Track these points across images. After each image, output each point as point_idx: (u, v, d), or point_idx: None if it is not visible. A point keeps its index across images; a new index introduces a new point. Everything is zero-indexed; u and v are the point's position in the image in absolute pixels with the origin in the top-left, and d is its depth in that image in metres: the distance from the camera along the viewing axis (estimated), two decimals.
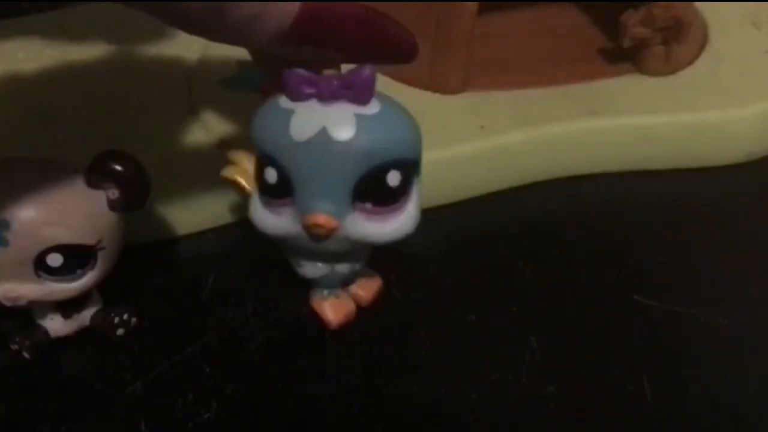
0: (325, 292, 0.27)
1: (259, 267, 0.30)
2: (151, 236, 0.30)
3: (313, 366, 0.27)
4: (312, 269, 0.26)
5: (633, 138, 0.33)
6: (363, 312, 0.28)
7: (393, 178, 0.23)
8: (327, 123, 0.22)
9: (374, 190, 0.23)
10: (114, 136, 0.32)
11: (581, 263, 0.30)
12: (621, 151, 0.33)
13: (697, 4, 0.37)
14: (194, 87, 0.34)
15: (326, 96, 0.22)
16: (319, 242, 0.24)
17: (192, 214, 0.31)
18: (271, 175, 0.24)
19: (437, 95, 0.34)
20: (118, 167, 0.24)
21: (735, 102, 0.34)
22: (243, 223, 0.31)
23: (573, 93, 0.34)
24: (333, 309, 0.27)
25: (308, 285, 0.27)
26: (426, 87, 0.34)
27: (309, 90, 0.22)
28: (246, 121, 0.32)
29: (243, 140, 0.26)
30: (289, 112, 0.23)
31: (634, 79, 0.35)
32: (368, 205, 0.23)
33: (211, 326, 0.28)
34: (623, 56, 0.35)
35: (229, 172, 0.26)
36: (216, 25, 0.20)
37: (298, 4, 0.20)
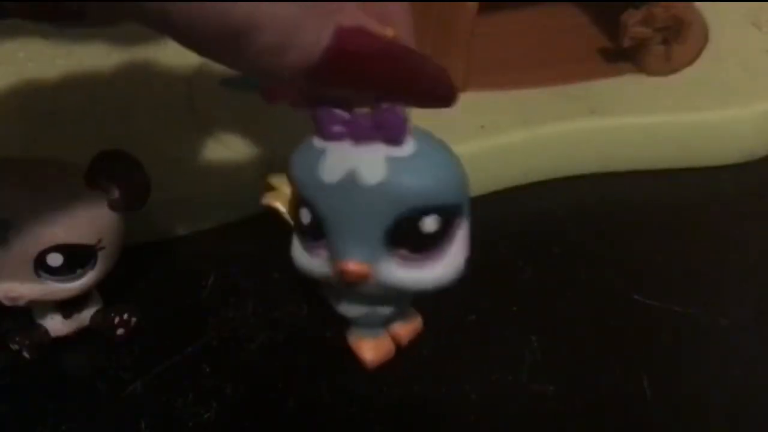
0: (363, 331, 0.26)
1: (259, 267, 0.30)
2: (151, 236, 0.30)
3: (313, 366, 0.27)
4: (352, 309, 0.25)
5: (633, 138, 0.33)
6: None
7: (429, 223, 0.22)
8: (356, 165, 0.21)
9: (409, 237, 0.22)
10: (114, 136, 0.32)
11: (581, 263, 0.30)
12: (621, 151, 0.33)
13: (698, 3, 0.37)
14: (194, 87, 0.34)
15: (357, 136, 0.21)
16: (354, 287, 0.23)
17: (192, 214, 0.31)
18: (306, 216, 0.23)
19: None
20: (118, 167, 0.24)
21: (735, 102, 0.34)
22: (243, 223, 0.32)
23: (573, 93, 0.34)
24: (371, 349, 0.26)
25: (309, 286, 0.27)
26: None
27: (340, 129, 0.21)
28: (246, 122, 0.32)
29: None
30: (321, 152, 0.22)
31: (634, 79, 0.35)
32: (404, 251, 0.22)
33: (211, 326, 0.28)
34: (623, 56, 0.35)
35: (268, 199, 0.25)
36: (235, 54, 0.19)
37: (326, 39, 0.19)
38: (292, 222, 0.24)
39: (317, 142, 0.22)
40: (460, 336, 0.28)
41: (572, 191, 0.33)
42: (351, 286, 0.23)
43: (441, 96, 0.22)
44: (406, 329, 0.27)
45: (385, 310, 0.25)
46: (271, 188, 0.26)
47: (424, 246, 0.22)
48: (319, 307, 0.28)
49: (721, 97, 0.34)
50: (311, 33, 0.19)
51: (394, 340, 0.27)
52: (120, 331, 0.27)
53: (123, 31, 0.37)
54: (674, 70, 0.35)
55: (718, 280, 0.30)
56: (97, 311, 0.27)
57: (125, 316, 0.27)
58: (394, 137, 0.21)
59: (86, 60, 0.36)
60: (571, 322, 0.28)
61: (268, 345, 0.27)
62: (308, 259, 0.24)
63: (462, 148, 0.31)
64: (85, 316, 0.27)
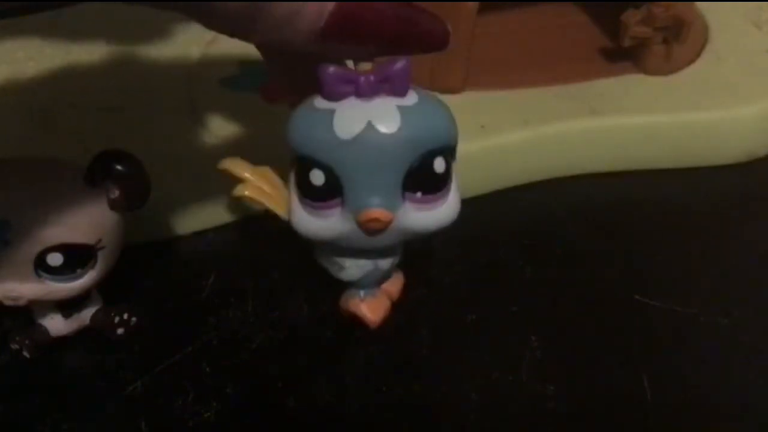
0: (362, 292, 0.27)
1: (259, 267, 0.30)
2: (151, 236, 0.30)
3: (313, 366, 0.27)
4: (356, 270, 0.26)
5: (633, 137, 0.33)
6: None
7: (439, 164, 0.23)
8: (372, 117, 0.22)
9: (423, 179, 0.23)
10: (114, 136, 0.32)
11: (581, 263, 0.30)
12: (621, 150, 0.33)
13: (698, 3, 0.37)
14: (194, 87, 0.34)
15: (365, 92, 0.22)
16: (373, 238, 0.24)
17: (192, 214, 0.31)
18: (318, 177, 0.23)
19: (437, 95, 0.33)
20: (118, 167, 0.24)
21: (735, 101, 0.34)
22: (243, 223, 0.32)
23: (573, 92, 0.34)
24: (371, 309, 0.27)
25: (307, 284, 0.27)
26: (426, 87, 0.33)
27: (347, 88, 0.22)
28: (246, 121, 0.32)
29: (240, 159, 0.26)
30: (330, 112, 0.23)
31: (634, 79, 0.35)
32: (418, 195, 0.24)
33: (211, 326, 0.28)
34: (624, 55, 0.35)
35: (240, 191, 0.25)
36: (252, 25, 0.20)
37: (331, 4, 0.20)
38: (271, 206, 0.25)
39: (321, 104, 0.23)
40: (460, 336, 0.28)
41: (572, 191, 0.33)
42: (372, 235, 0.24)
43: (437, 41, 0.23)
44: (396, 285, 0.28)
45: (386, 264, 0.26)
46: (235, 178, 0.26)
47: (435, 187, 0.24)
48: (319, 307, 0.28)
49: (721, 97, 0.34)
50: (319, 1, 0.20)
51: (388, 296, 0.27)
52: (120, 331, 0.27)
53: (123, 31, 0.37)
54: (674, 70, 0.35)
55: (718, 280, 0.30)
56: (97, 311, 0.27)
57: (125, 315, 0.27)
58: (400, 88, 0.23)
59: (86, 59, 0.36)
60: (571, 322, 0.28)
61: (268, 345, 0.27)
62: (316, 222, 0.24)
63: (462, 148, 0.32)
64: (85, 315, 0.27)
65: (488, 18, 0.36)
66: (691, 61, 0.35)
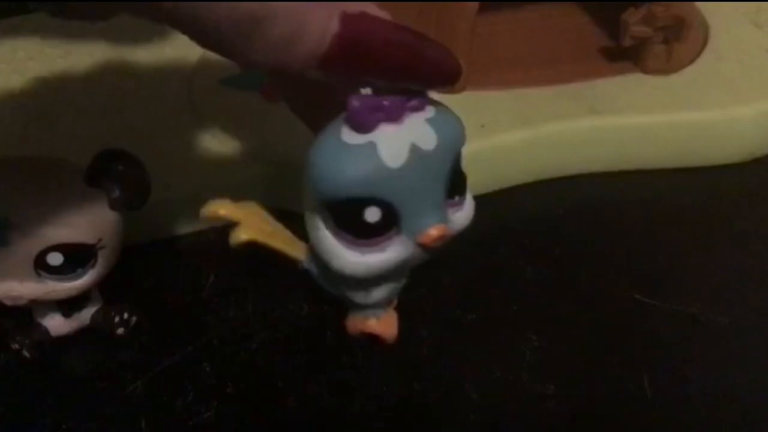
0: (369, 312, 0.26)
1: (259, 267, 0.30)
2: (151, 236, 0.30)
3: (313, 366, 0.27)
4: (382, 292, 0.25)
5: (633, 137, 0.33)
6: None
7: (463, 165, 0.24)
8: (413, 139, 0.22)
9: (457, 182, 0.24)
10: (114, 136, 0.32)
11: (581, 263, 0.30)
12: (621, 150, 0.33)
13: (698, 3, 0.37)
14: (194, 87, 0.34)
15: (396, 116, 0.22)
16: (431, 255, 0.24)
17: (192, 214, 0.31)
18: (374, 213, 0.22)
19: (437, 94, 0.33)
20: (119, 166, 0.24)
21: (736, 101, 0.34)
22: None
23: (573, 92, 0.34)
24: (385, 325, 0.26)
25: (307, 284, 0.27)
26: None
27: (377, 116, 0.22)
28: (246, 122, 0.32)
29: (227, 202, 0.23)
30: (371, 145, 0.22)
31: (634, 78, 0.35)
32: (456, 198, 0.24)
33: (212, 326, 0.28)
34: (624, 55, 0.35)
35: (237, 237, 0.23)
36: (246, 46, 0.19)
37: (335, 26, 0.19)
38: (283, 249, 0.24)
39: (352, 138, 0.22)
40: (460, 336, 0.28)
41: (572, 191, 0.33)
42: (431, 254, 0.24)
43: (446, 76, 0.22)
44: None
45: (405, 279, 0.26)
46: (223, 221, 0.23)
47: (465, 186, 0.24)
48: (319, 307, 0.28)
49: (721, 97, 0.34)
50: (320, 21, 0.19)
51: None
52: (120, 330, 0.27)
53: (123, 31, 0.37)
54: (675, 70, 0.35)
55: (718, 280, 0.30)
56: (98, 310, 0.27)
57: (125, 315, 0.27)
58: (422, 104, 0.22)
59: (86, 59, 0.36)
60: (571, 322, 0.28)
61: (268, 344, 0.27)
62: (372, 258, 0.23)
63: (462, 147, 0.32)
64: (86, 315, 0.27)
65: (488, 18, 0.36)
66: (692, 60, 0.35)
